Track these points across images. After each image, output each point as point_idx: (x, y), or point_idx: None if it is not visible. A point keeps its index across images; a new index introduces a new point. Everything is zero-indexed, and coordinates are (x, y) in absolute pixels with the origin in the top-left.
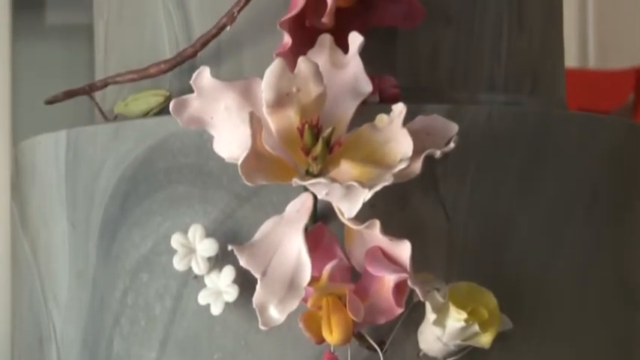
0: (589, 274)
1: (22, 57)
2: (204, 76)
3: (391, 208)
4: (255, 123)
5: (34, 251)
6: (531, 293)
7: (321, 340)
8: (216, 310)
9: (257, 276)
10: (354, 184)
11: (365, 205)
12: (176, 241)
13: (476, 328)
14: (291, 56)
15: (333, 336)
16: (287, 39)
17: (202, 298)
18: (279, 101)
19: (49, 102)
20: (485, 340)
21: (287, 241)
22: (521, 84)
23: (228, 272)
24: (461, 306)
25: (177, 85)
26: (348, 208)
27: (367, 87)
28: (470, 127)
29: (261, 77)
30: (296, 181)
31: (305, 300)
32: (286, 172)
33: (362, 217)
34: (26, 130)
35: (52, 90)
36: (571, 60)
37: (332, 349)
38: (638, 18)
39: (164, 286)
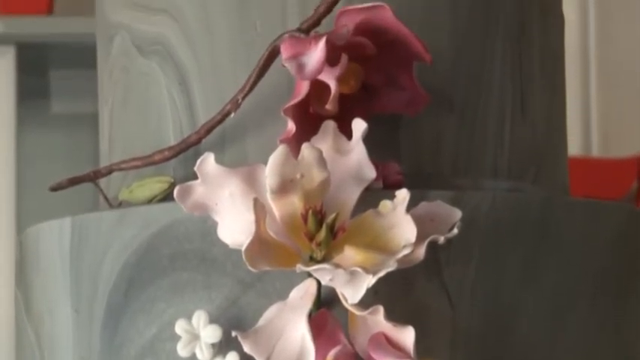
0: (593, 358)
1: (26, 145)
2: (208, 163)
3: (395, 294)
4: (259, 209)
5: (38, 338)
6: None
7: None
8: None
9: None
10: (358, 269)
11: (368, 290)
12: (180, 327)
13: None
14: (295, 142)
15: None
16: (291, 125)
17: None
18: (283, 187)
19: (54, 189)
20: None
21: (291, 327)
22: (525, 171)
23: (232, 358)
24: None
25: (182, 171)
26: (351, 293)
27: (371, 173)
28: (473, 213)
29: (265, 163)
30: (300, 267)
31: None
32: (290, 258)
33: (365, 303)
34: (31, 217)
35: (57, 177)
36: (574, 149)
37: None
38: None
39: None
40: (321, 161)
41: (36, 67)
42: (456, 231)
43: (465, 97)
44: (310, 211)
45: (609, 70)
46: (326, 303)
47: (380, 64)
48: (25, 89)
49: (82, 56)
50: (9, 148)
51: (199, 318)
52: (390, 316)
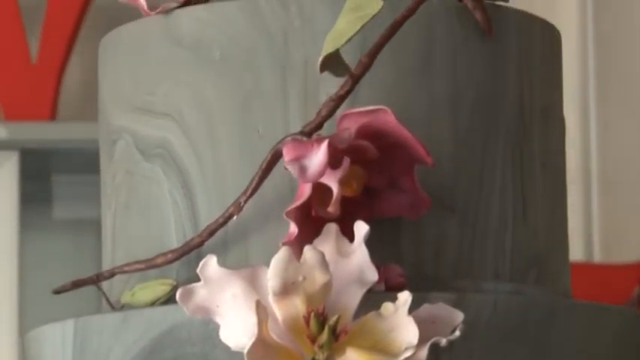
0: None
1: (29, 249)
2: (210, 265)
3: None
4: (261, 311)
5: None
6: None
7: None
8: None
9: None
10: None
11: None
12: None
13: None
14: (297, 245)
15: None
16: (293, 228)
17: None
18: (285, 290)
19: (57, 292)
20: None
21: None
22: (526, 274)
23: None
24: None
25: (185, 274)
26: None
27: (373, 276)
28: (475, 315)
29: (268, 265)
30: None
31: None
32: None
33: None
34: (33, 321)
35: (60, 281)
36: (576, 254)
37: None
38: None
39: None
40: (324, 264)
41: (39, 173)
42: (458, 333)
43: (466, 200)
44: (312, 314)
45: (611, 175)
46: None
47: (382, 167)
48: (28, 194)
49: (85, 162)
50: (12, 253)
51: None
52: None
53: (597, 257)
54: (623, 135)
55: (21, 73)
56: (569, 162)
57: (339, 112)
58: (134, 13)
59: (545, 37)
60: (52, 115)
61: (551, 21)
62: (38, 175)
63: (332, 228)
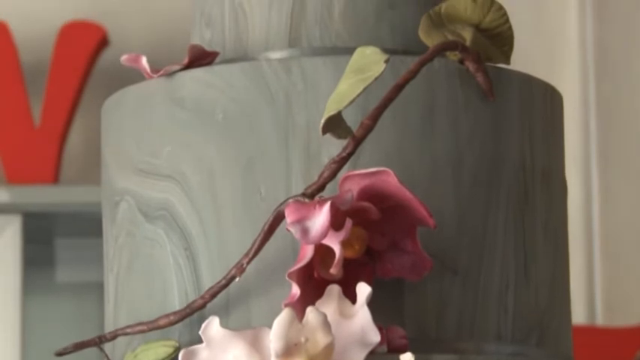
0: None
1: (32, 312)
2: (213, 327)
3: None
4: None
5: None
6: None
7: None
8: None
9: None
10: None
11: None
12: None
13: None
14: (300, 306)
15: None
16: (295, 289)
17: None
18: (288, 351)
19: (59, 354)
20: None
21: None
22: (528, 335)
23: None
24: None
25: (187, 335)
26: None
27: (375, 337)
28: None
29: (270, 327)
30: None
31: None
32: None
33: None
34: None
35: (62, 343)
36: (579, 318)
37: None
38: None
39: None
40: (326, 325)
41: (41, 236)
42: None
43: (468, 262)
44: None
45: (613, 238)
46: None
47: (384, 229)
48: (31, 257)
49: (88, 225)
50: (14, 315)
51: None
52: None
53: (600, 320)
54: (625, 198)
55: (24, 137)
56: (571, 224)
57: (342, 174)
58: (137, 76)
59: (546, 100)
60: (55, 179)
61: (552, 84)
62: (41, 239)
63: (334, 289)
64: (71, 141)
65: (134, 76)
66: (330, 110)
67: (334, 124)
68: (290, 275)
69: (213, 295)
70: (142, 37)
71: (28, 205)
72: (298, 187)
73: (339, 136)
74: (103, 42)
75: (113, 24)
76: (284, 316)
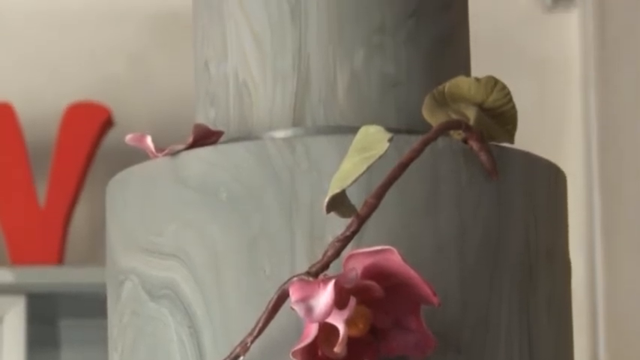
0: None
1: None
2: None
3: None
4: None
5: None
6: None
7: None
8: None
9: None
10: None
11: None
12: None
13: None
14: None
15: None
16: None
17: None
18: None
19: None
20: None
21: None
22: None
23: None
24: None
25: None
26: None
27: None
28: None
29: None
30: None
31: None
32: None
33: None
34: None
35: None
36: None
37: None
38: None
39: None
40: None
41: (46, 317)
42: None
43: (471, 340)
44: None
45: (617, 318)
46: None
47: (388, 307)
48: (35, 338)
49: (92, 306)
50: None
51: None
52: None
53: None
54: (629, 277)
55: (28, 217)
56: (575, 303)
57: (345, 253)
58: (142, 156)
59: (550, 179)
60: (59, 260)
61: (556, 162)
62: (45, 319)
63: None
64: (76, 222)
65: (139, 156)
66: (334, 189)
67: (338, 203)
68: (294, 354)
69: None
70: (146, 116)
71: (33, 286)
72: (302, 266)
73: (343, 215)
74: (108, 123)
75: (117, 104)
76: None
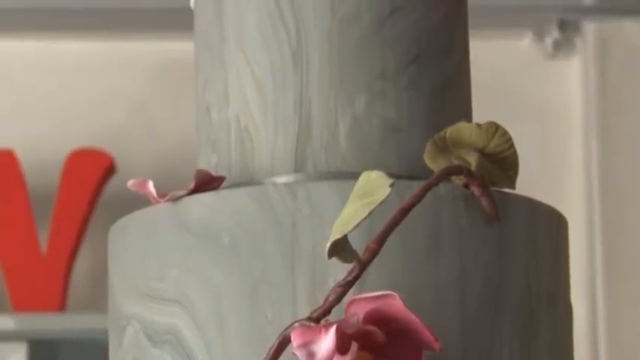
0: None
1: None
2: None
3: None
4: None
5: None
6: None
7: None
8: None
9: None
10: None
11: None
12: None
13: None
14: None
15: None
16: None
17: None
18: None
19: None
20: None
21: None
22: None
23: None
24: None
25: None
26: None
27: None
28: None
29: None
30: None
31: None
32: None
33: None
34: None
35: None
36: None
37: None
38: None
39: None
40: None
41: None
42: None
43: None
44: None
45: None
46: None
47: (390, 352)
48: None
49: (94, 352)
50: None
51: None
52: None
53: None
54: (631, 322)
55: (30, 264)
56: (577, 347)
57: (347, 298)
58: (144, 202)
59: (552, 224)
60: (61, 307)
61: (557, 207)
62: None
63: None
64: (77, 268)
65: (141, 203)
66: (335, 234)
67: (340, 248)
68: None
69: None
70: (148, 163)
71: (34, 333)
72: (304, 311)
73: (345, 260)
74: (110, 169)
75: (120, 151)
76: None
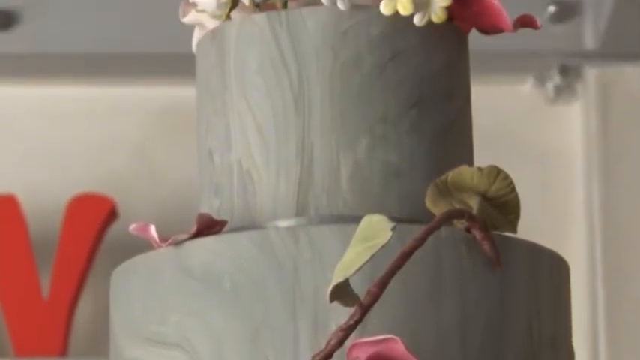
0: None
1: None
2: None
3: None
4: None
5: None
6: None
7: None
8: None
9: None
10: None
11: None
12: None
13: None
14: None
15: None
16: None
17: None
18: None
19: None
20: None
21: None
22: None
23: None
24: None
25: None
26: None
27: None
28: None
29: None
30: None
31: None
32: None
33: None
34: None
35: None
36: None
37: None
38: None
39: None
40: None
41: None
42: None
43: None
44: None
45: None
46: None
47: None
48: None
49: None
50: None
51: None
52: None
53: None
54: None
55: (32, 309)
56: None
57: (349, 342)
58: (146, 246)
59: (553, 268)
60: (63, 351)
61: (559, 251)
62: None
63: None
64: (79, 313)
65: (143, 248)
66: (337, 278)
67: (341, 292)
68: None
69: None
70: (150, 208)
71: None
72: (306, 355)
73: (347, 304)
74: (112, 214)
75: (121, 196)
76: None
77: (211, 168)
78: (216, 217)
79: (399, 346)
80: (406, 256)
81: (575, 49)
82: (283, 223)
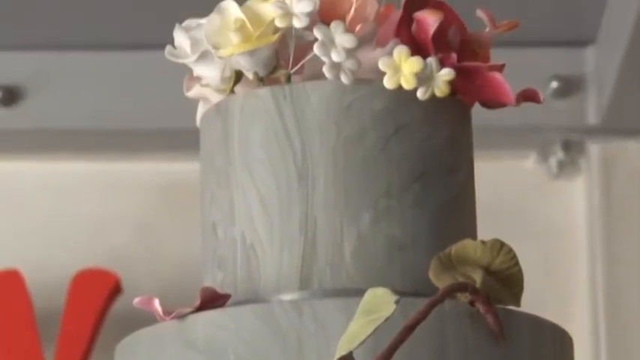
0: None
1: None
2: None
3: None
4: None
5: None
6: None
7: None
8: None
9: None
10: None
11: None
12: None
13: None
14: None
15: None
16: None
17: None
18: None
19: None
20: None
21: None
22: None
23: None
24: None
25: None
26: None
27: None
28: None
29: None
30: None
31: None
32: None
33: None
34: None
35: None
36: None
37: None
38: None
39: None
40: None
41: None
42: None
43: None
44: None
45: None
46: None
47: None
48: None
49: None
50: None
51: None
52: None
53: None
54: None
55: None
56: None
57: None
58: (149, 320)
59: (557, 342)
60: None
61: (563, 325)
62: None
63: None
64: None
65: (146, 323)
66: (341, 351)
67: None
68: None
69: None
70: (153, 283)
71: None
72: None
73: None
74: (116, 289)
75: (125, 271)
76: None
77: (215, 241)
78: (219, 290)
79: None
80: (409, 329)
81: (578, 125)
82: (287, 297)
